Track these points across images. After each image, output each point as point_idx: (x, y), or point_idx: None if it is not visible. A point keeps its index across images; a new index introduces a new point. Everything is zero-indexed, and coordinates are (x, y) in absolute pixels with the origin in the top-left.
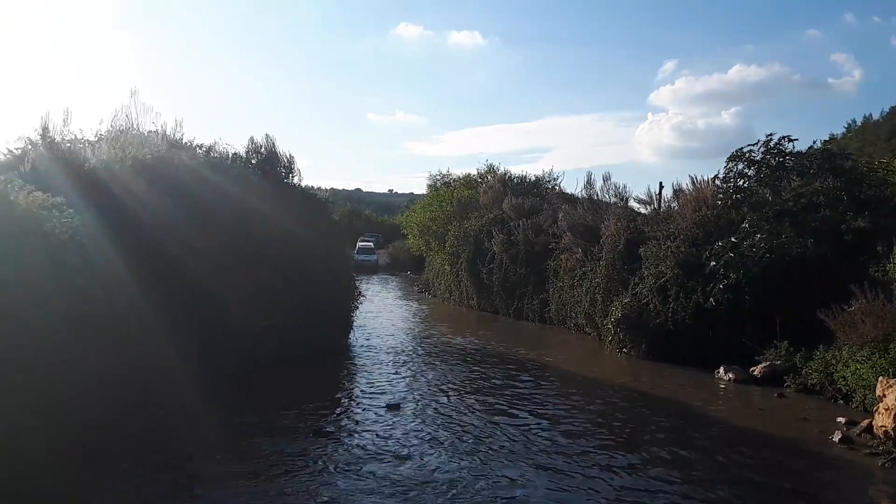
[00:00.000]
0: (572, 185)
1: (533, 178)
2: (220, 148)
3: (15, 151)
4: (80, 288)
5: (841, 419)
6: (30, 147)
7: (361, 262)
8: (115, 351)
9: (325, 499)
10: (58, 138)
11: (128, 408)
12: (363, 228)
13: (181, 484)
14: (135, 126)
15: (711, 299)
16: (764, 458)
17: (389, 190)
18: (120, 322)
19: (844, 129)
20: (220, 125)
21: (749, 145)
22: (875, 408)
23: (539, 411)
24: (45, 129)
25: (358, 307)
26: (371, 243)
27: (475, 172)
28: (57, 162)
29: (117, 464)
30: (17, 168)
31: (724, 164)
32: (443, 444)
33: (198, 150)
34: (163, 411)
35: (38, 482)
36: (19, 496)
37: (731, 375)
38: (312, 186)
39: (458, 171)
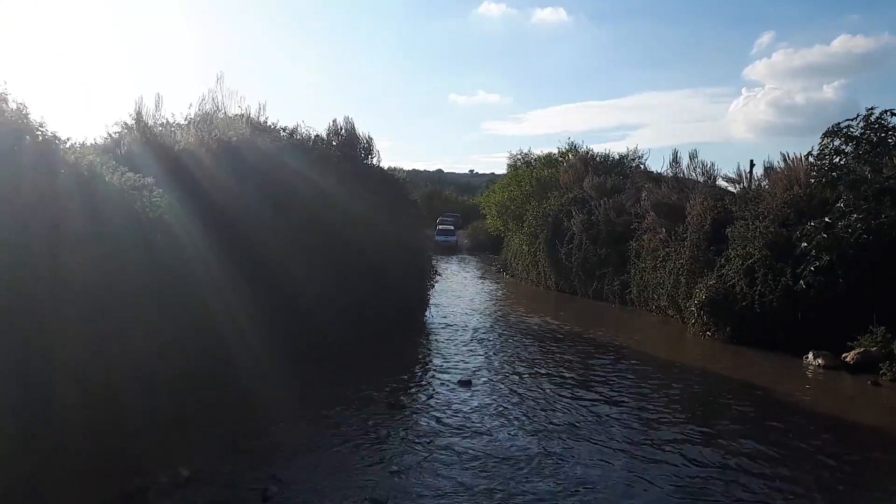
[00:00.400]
0: (659, 164)
1: (616, 157)
2: (303, 130)
3: (113, 135)
4: (166, 264)
5: None
6: (125, 131)
7: (440, 242)
8: (200, 325)
9: (396, 469)
10: (150, 122)
11: (212, 379)
12: (443, 209)
13: (263, 451)
14: (221, 109)
15: (801, 282)
16: (848, 448)
17: (470, 170)
18: (203, 297)
19: None
20: (305, 109)
21: (847, 120)
22: None
23: (614, 393)
24: (138, 113)
25: (434, 286)
26: (451, 225)
27: (556, 151)
28: (149, 145)
29: (204, 430)
30: (114, 150)
31: (819, 141)
32: (513, 420)
33: (281, 133)
34: (244, 382)
35: (135, 444)
36: (120, 457)
37: (820, 361)
38: (392, 167)
39: (539, 151)
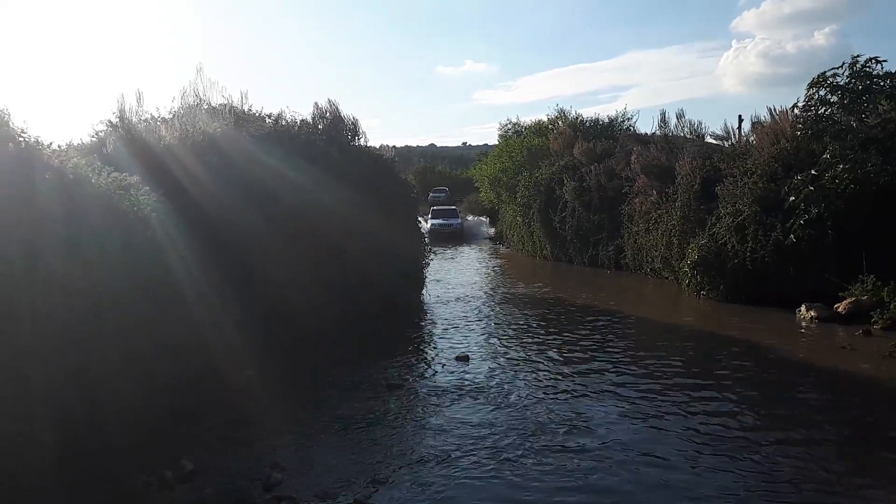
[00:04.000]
0: (649, 125)
1: (606, 121)
2: (287, 116)
3: (99, 134)
4: (157, 261)
5: None
6: (110, 129)
7: (438, 229)
8: (194, 319)
9: (396, 448)
10: (134, 119)
11: (210, 372)
12: (436, 184)
13: (264, 439)
14: (203, 101)
15: (791, 236)
16: (843, 398)
17: (463, 143)
18: (196, 292)
19: None
20: (290, 93)
21: (832, 69)
22: None
23: (614, 356)
24: (121, 111)
25: (429, 263)
26: (453, 206)
27: (545, 119)
28: (133, 142)
29: (205, 423)
30: (99, 150)
31: (805, 92)
32: (514, 391)
33: (266, 120)
34: (241, 373)
35: (138, 440)
36: (124, 454)
37: (812, 313)
38: (382, 145)
39: (529, 119)
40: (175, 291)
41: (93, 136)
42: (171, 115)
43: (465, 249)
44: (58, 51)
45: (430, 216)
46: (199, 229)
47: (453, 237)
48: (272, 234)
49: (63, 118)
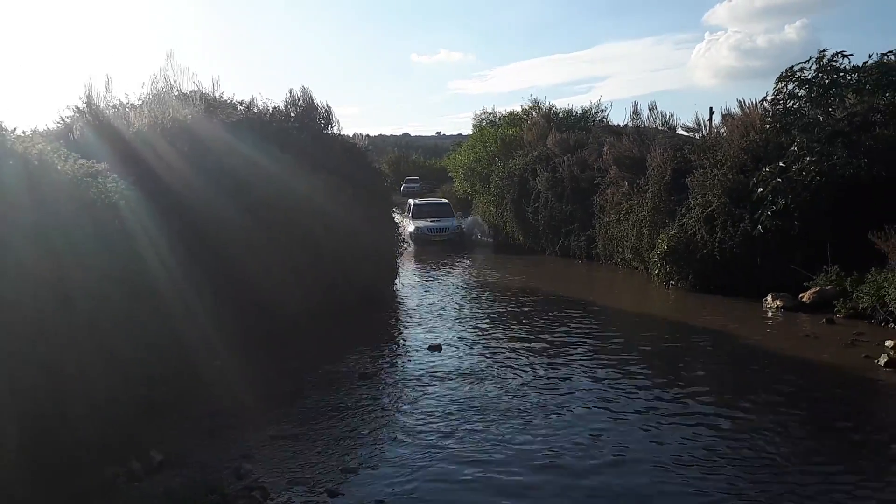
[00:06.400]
0: (623, 115)
1: (580, 112)
2: (260, 103)
3: (66, 120)
4: (126, 251)
5: (889, 342)
6: (77, 115)
7: (427, 234)
8: (166, 310)
9: (367, 436)
10: (102, 105)
11: (182, 364)
12: (410, 173)
13: (234, 431)
14: (174, 87)
15: (759, 226)
16: (805, 384)
17: (437, 133)
18: (167, 283)
19: None
20: (263, 80)
21: (800, 63)
22: None
23: (582, 344)
24: (89, 96)
25: (402, 253)
26: (445, 201)
27: (520, 109)
28: (102, 128)
29: (176, 415)
30: (66, 136)
31: (774, 85)
32: (485, 380)
33: (238, 107)
34: (213, 365)
35: (109, 432)
36: (94, 446)
37: (778, 303)
38: (354, 135)
39: (504, 109)
40: (147, 282)
41: (59, 122)
42: (140, 102)
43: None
44: (23, 34)
45: (410, 214)
46: (171, 218)
47: (448, 246)
48: (245, 223)
49: (29, 103)
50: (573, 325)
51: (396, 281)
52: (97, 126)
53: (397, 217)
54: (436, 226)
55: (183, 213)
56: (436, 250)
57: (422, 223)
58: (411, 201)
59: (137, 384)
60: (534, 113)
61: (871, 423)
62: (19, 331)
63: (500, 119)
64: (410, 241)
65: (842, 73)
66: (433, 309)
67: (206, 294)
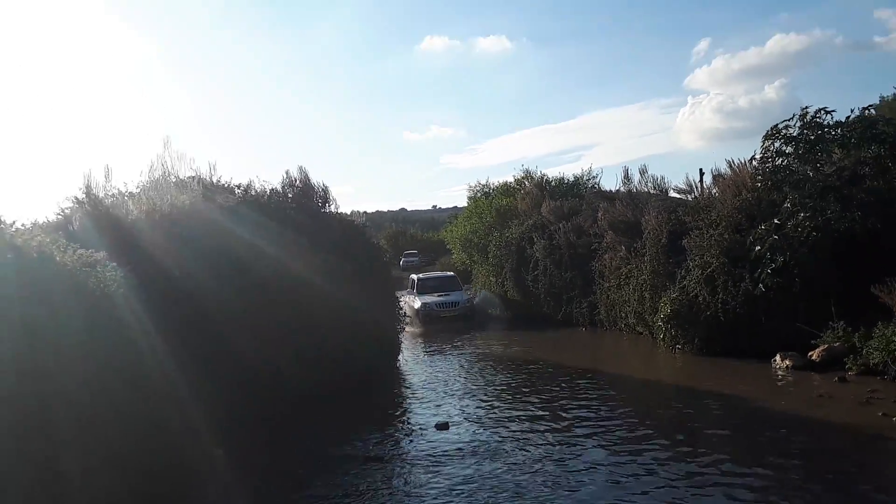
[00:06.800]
0: (613, 181)
1: (571, 179)
2: (257, 186)
3: (65, 211)
4: (125, 341)
5: None
6: (76, 206)
7: (436, 311)
8: (166, 397)
9: None
10: (101, 194)
11: (182, 449)
12: (409, 247)
13: None
14: (171, 174)
15: (760, 285)
16: (822, 446)
17: (433, 206)
18: (165, 370)
19: (894, 90)
20: (259, 162)
21: (784, 121)
22: None
23: (592, 416)
24: (88, 187)
25: (404, 328)
26: (451, 273)
27: (512, 180)
28: (100, 218)
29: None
30: (65, 227)
31: (761, 144)
32: (496, 457)
33: (236, 190)
34: (207, 453)
35: None
36: None
37: (787, 362)
38: (351, 212)
39: (497, 180)
40: (144, 370)
41: (59, 214)
42: (139, 190)
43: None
44: (23, 128)
45: (415, 289)
46: (168, 304)
47: (458, 321)
48: (242, 305)
49: (29, 195)
50: (581, 396)
51: (399, 357)
52: (96, 216)
53: (402, 294)
54: (444, 300)
55: (180, 298)
56: (442, 327)
57: (429, 299)
58: (414, 276)
59: (136, 478)
60: (526, 182)
61: (894, 483)
62: (16, 427)
63: (493, 190)
64: (418, 320)
65: (826, 129)
66: (438, 384)
67: (204, 379)
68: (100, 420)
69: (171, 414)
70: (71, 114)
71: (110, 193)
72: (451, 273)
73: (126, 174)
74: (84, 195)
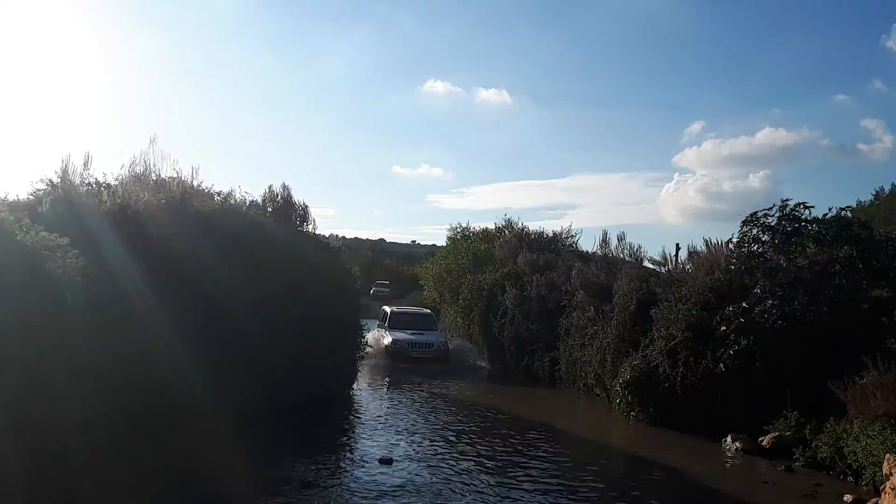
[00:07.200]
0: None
1: (550, 234)
2: (238, 195)
3: (38, 193)
4: (77, 330)
5: (848, 497)
6: (49, 188)
7: (409, 350)
8: (115, 390)
9: None
10: (77, 181)
11: (118, 449)
12: (382, 277)
13: None
14: (152, 172)
15: (721, 365)
16: None
17: (412, 241)
18: (118, 365)
19: (872, 196)
20: (244, 175)
21: (764, 210)
22: (882, 487)
23: (536, 469)
24: (64, 171)
25: (363, 356)
26: (427, 311)
27: (493, 227)
28: (72, 205)
29: None
30: (35, 208)
31: (739, 228)
32: (434, 495)
33: (216, 197)
34: (139, 463)
35: None
36: None
37: (738, 445)
38: (329, 235)
39: (479, 225)
40: (89, 364)
41: (31, 194)
42: (116, 182)
43: None
44: (6, 100)
45: (387, 323)
46: (126, 302)
47: (431, 363)
48: (201, 313)
49: (3, 172)
50: (528, 448)
51: (354, 385)
52: (68, 202)
53: (373, 327)
54: (418, 340)
55: (138, 298)
56: (411, 367)
57: (401, 335)
58: (387, 308)
59: (47, 469)
60: (507, 232)
61: None
62: None
63: (473, 234)
64: (387, 357)
65: (803, 223)
66: (388, 414)
67: (146, 381)
68: (49, 398)
69: (120, 411)
70: (60, 94)
71: (87, 182)
72: (428, 311)
73: (106, 166)
74: (59, 179)
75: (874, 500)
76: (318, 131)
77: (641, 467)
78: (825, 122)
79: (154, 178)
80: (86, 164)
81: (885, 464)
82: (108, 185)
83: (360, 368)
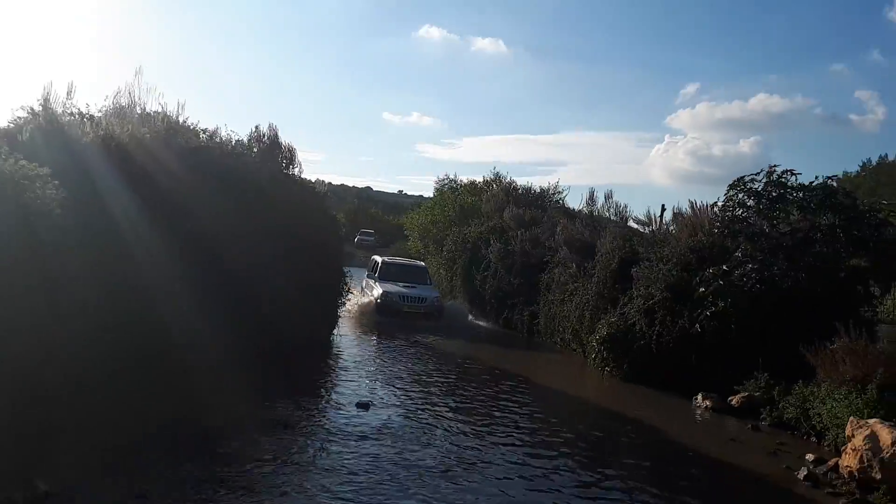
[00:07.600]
0: (579, 200)
1: (538, 190)
2: (224, 134)
3: (17, 121)
4: (53, 263)
5: (810, 456)
6: (30, 116)
7: (400, 304)
8: (91, 326)
9: (278, 489)
10: (59, 110)
11: (91, 389)
12: (367, 225)
13: (132, 467)
14: (137, 105)
15: (697, 325)
16: (724, 490)
17: (399, 191)
18: (94, 298)
19: (859, 167)
20: (230, 113)
21: (751, 175)
22: (843, 447)
23: (509, 418)
24: (46, 99)
25: (346, 303)
26: (421, 263)
27: (481, 180)
28: (54, 134)
29: (73, 444)
30: (15, 136)
31: (725, 192)
32: (407, 442)
33: (201, 134)
34: (126, 394)
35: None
36: None
37: (707, 403)
38: (315, 180)
39: (467, 178)
40: (63, 298)
41: (10, 122)
42: (100, 114)
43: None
44: None
45: (377, 274)
46: (104, 236)
47: (422, 319)
48: (182, 254)
49: None
50: (503, 398)
51: (335, 331)
52: (49, 131)
53: (356, 276)
54: (411, 293)
55: (116, 235)
56: (401, 321)
57: (392, 287)
58: (378, 258)
59: (37, 403)
60: (494, 185)
61: None
62: None
63: (461, 186)
64: (375, 309)
65: (789, 190)
66: (368, 360)
67: (131, 320)
68: (15, 341)
69: (93, 347)
70: (43, 23)
71: (69, 112)
72: (422, 263)
73: (90, 97)
74: (41, 107)
75: (835, 459)
76: (307, 72)
77: (612, 420)
78: (820, 90)
79: (139, 112)
80: (69, 94)
81: (849, 426)
82: (92, 117)
83: (340, 316)
